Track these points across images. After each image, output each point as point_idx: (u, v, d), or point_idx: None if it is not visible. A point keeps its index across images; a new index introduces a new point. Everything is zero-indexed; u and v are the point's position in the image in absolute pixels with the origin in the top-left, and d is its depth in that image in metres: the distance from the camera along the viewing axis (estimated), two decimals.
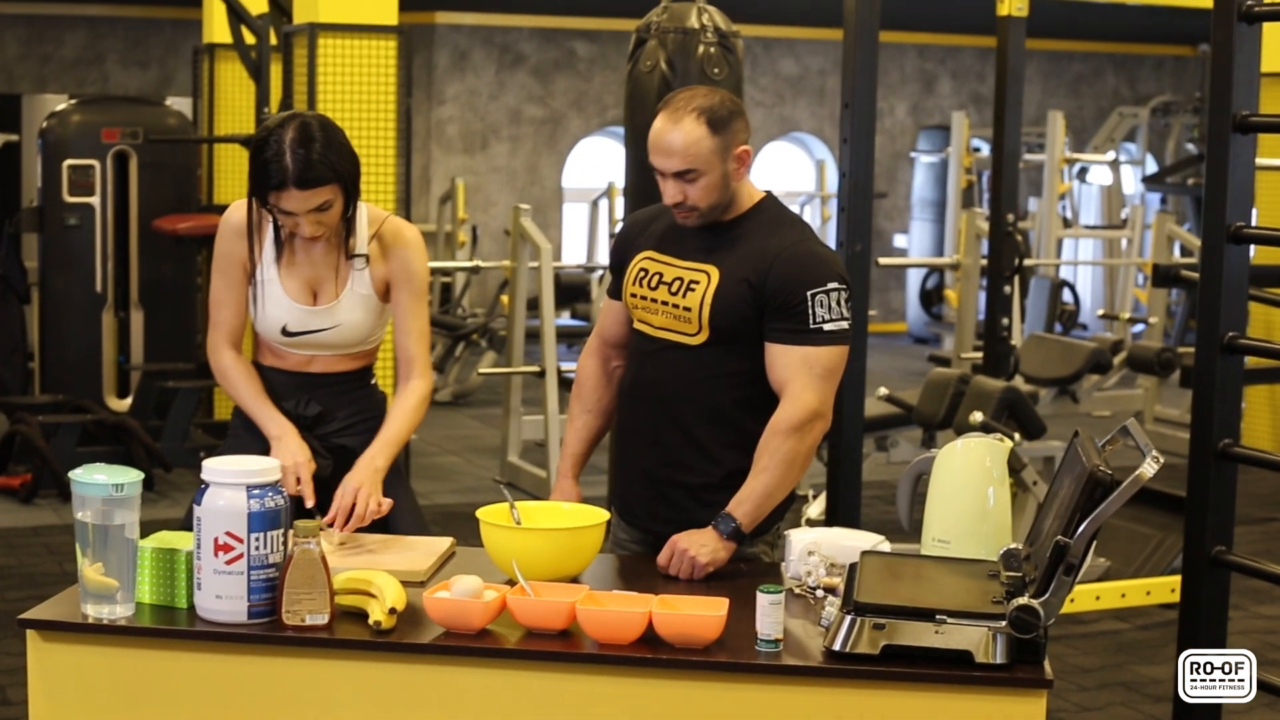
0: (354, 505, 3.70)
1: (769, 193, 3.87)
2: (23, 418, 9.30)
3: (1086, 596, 6.59)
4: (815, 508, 8.15)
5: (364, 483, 3.73)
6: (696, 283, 3.74)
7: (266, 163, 3.65)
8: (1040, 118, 17.16)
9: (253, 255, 3.82)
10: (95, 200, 10.04)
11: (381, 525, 3.83)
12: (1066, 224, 15.80)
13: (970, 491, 3.46)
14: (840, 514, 5.74)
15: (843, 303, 3.68)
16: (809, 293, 3.65)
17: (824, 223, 17.76)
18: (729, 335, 3.72)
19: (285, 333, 3.85)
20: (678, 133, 3.67)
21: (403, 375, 3.94)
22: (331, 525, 3.68)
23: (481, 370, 10.89)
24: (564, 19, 17.09)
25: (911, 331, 17.71)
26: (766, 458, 3.66)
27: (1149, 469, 2.88)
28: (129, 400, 10.18)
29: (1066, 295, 15.79)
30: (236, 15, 9.36)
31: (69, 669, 3.17)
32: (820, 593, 3.38)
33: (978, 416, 6.94)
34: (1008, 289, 8.04)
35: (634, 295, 3.85)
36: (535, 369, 9.44)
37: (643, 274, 3.84)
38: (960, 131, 15.92)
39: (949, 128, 16.53)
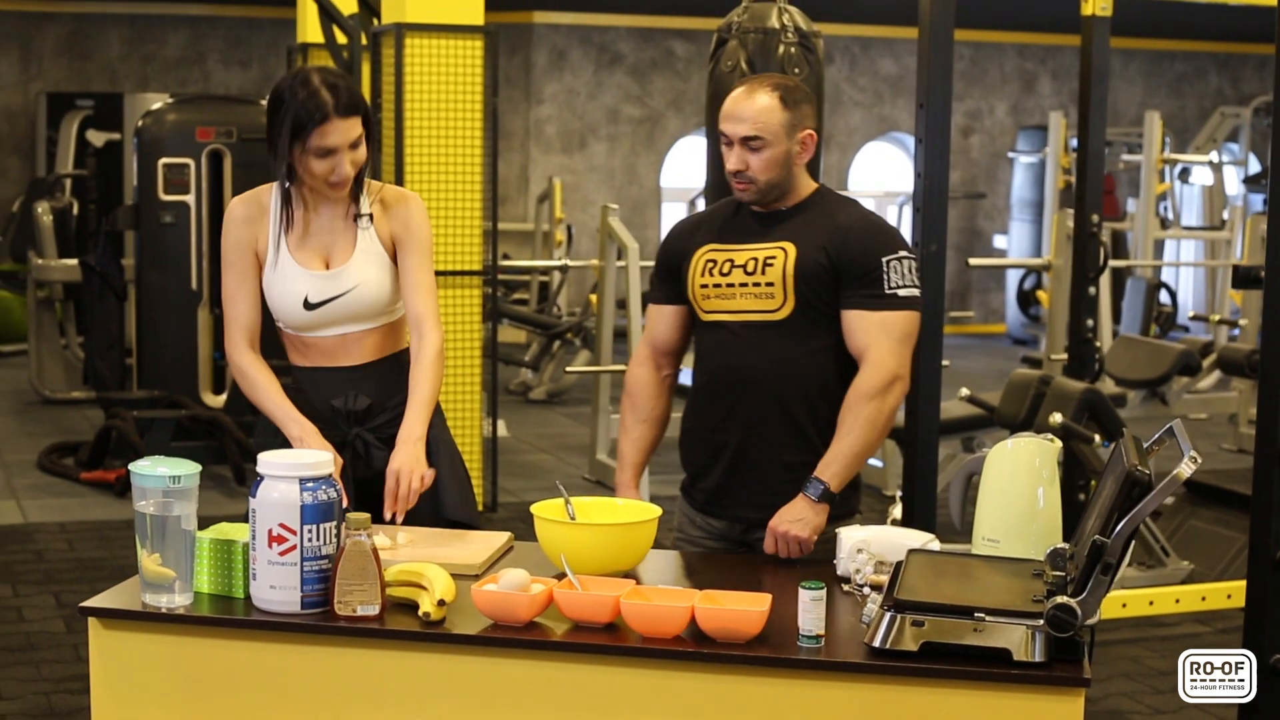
0: (398, 489, 3.77)
1: (822, 184, 4.00)
2: (118, 413, 9.46)
3: (1166, 599, 6.55)
4: (901, 508, 8.14)
5: (404, 463, 3.78)
6: (774, 258, 3.85)
7: (302, 104, 3.74)
8: (1141, 118, 17.02)
9: (282, 222, 3.88)
10: (190, 198, 10.21)
11: (431, 492, 3.88)
12: (1165, 225, 15.66)
13: (1019, 491, 3.46)
14: (916, 514, 5.74)
15: (913, 270, 3.84)
16: (884, 259, 3.81)
17: None
18: (811, 305, 3.83)
19: (308, 305, 3.89)
20: (751, 100, 3.83)
21: (415, 334, 3.97)
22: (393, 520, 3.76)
23: (570, 369, 10.96)
24: (662, 18, 17.14)
25: (1010, 332, 17.63)
26: (851, 420, 3.79)
27: (1186, 469, 2.89)
28: (224, 396, 10.34)
29: (1164, 297, 15.65)
30: (328, 15, 9.46)
31: (128, 656, 3.25)
32: (867, 590, 3.40)
33: (1057, 418, 6.91)
34: (1093, 290, 7.99)
35: (705, 286, 3.93)
36: (623, 368, 9.45)
37: (711, 264, 3.93)
38: (1058, 131, 15.82)
39: (1048, 128, 16.44)
